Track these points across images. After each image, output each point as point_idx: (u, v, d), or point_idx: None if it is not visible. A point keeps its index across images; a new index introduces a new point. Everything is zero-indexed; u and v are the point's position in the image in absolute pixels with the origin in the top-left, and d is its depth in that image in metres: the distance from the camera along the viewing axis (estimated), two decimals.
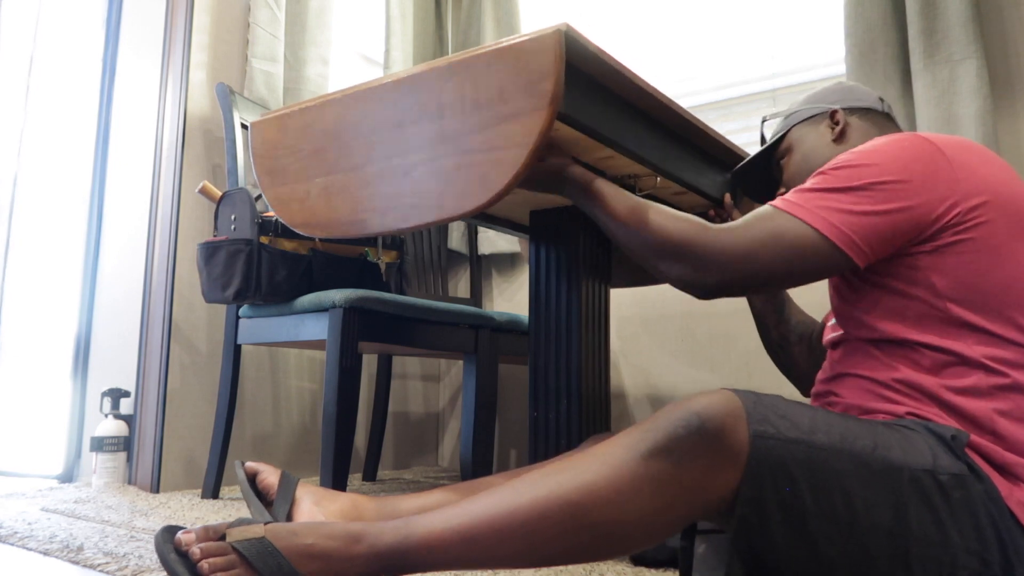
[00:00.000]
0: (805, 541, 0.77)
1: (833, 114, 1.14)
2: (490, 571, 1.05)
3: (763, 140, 1.33)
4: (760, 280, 0.89)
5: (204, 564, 0.77)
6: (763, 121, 1.34)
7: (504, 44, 0.98)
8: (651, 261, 0.97)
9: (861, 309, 0.93)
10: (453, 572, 1.04)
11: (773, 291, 0.93)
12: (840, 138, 1.12)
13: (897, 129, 1.15)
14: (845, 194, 0.87)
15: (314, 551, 0.79)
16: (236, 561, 0.78)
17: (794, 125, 1.18)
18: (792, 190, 0.93)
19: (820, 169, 0.92)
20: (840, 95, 1.16)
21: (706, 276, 0.91)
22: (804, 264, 0.87)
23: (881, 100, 1.17)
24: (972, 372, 0.84)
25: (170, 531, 0.82)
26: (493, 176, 0.97)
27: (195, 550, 0.78)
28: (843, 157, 0.91)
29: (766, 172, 1.28)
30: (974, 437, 0.82)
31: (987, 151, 0.92)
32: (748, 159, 1.28)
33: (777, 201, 0.91)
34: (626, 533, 0.76)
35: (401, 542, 0.79)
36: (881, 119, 1.14)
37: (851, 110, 1.14)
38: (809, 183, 0.91)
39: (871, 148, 0.90)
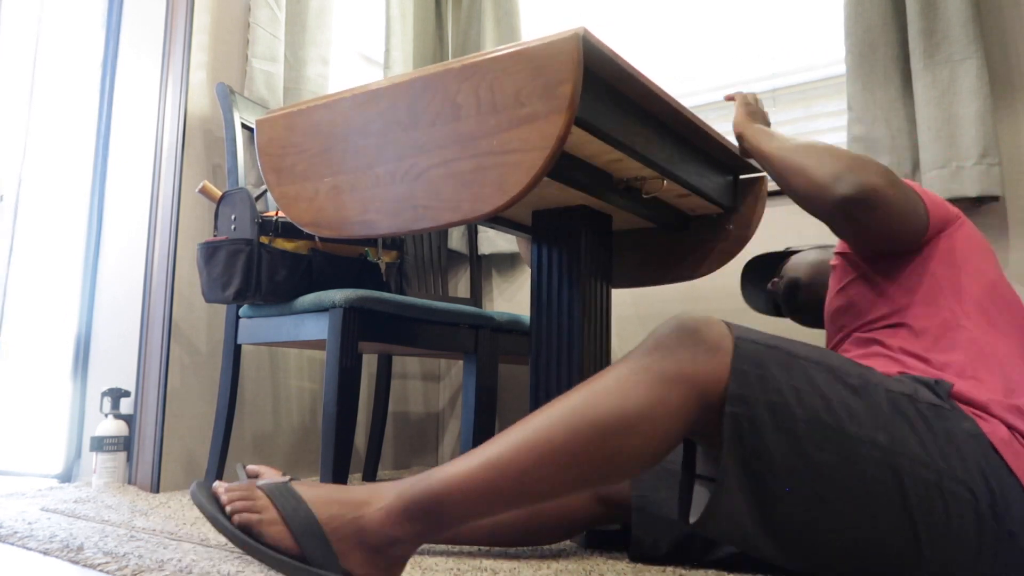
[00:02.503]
0: (797, 446, 0.81)
1: None
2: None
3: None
4: (873, 214, 1.00)
5: (224, 496, 0.81)
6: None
7: (521, 47, 0.98)
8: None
9: (879, 298, 1.05)
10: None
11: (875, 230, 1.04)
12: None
13: None
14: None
15: (332, 497, 0.81)
16: (257, 495, 0.81)
17: None
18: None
19: None
20: None
21: (858, 183, 1.01)
22: (905, 215, 1.01)
23: None
24: (947, 332, 0.98)
25: (205, 483, 0.86)
26: (511, 179, 0.97)
27: (220, 488, 0.82)
28: None
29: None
30: (958, 384, 0.91)
31: None
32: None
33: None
34: (630, 427, 0.78)
35: (424, 479, 0.81)
36: None
37: None
38: None
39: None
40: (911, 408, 0.84)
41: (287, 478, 1.08)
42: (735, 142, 1.38)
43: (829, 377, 0.84)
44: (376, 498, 0.81)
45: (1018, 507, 0.82)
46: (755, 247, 2.02)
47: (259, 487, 0.82)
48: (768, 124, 1.36)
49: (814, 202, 1.03)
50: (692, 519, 0.91)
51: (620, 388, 0.79)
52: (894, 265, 1.04)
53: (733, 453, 0.81)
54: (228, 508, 0.79)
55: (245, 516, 0.78)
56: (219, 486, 0.83)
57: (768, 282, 1.60)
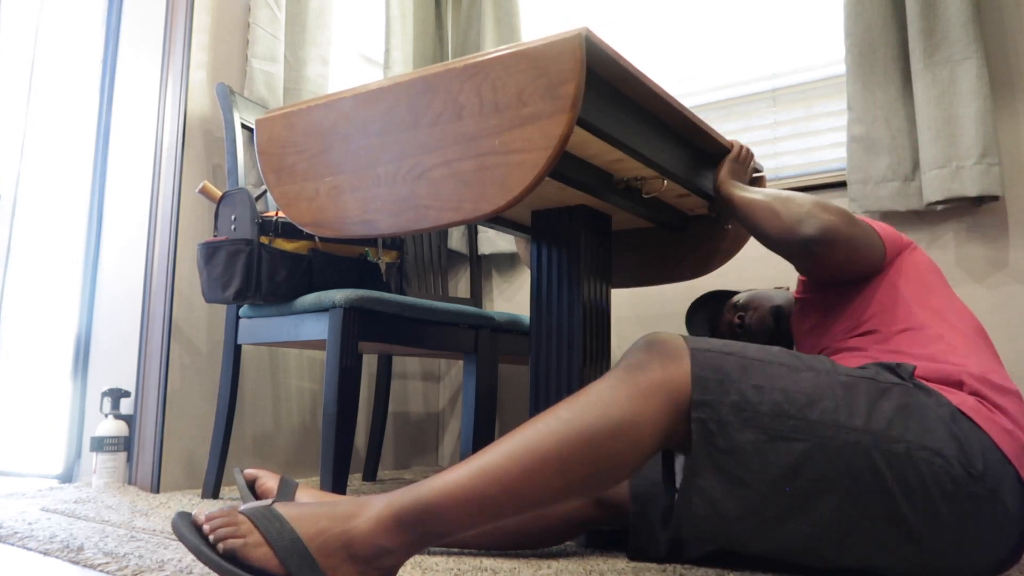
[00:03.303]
0: (766, 439, 0.85)
1: None
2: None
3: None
4: (828, 252, 1.12)
5: (206, 525, 0.79)
6: None
7: (524, 47, 0.98)
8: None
9: (849, 311, 1.15)
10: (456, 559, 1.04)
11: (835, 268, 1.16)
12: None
13: None
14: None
15: (319, 512, 0.81)
16: (239, 520, 0.80)
17: None
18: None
19: None
20: None
21: (820, 226, 1.12)
22: (860, 249, 1.12)
23: None
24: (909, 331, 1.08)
25: (186, 514, 0.84)
26: (513, 178, 0.97)
27: (201, 516, 0.81)
28: None
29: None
30: (925, 365, 0.98)
31: None
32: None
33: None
34: (615, 434, 0.82)
35: (414, 489, 0.81)
36: None
37: None
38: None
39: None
40: (872, 388, 0.90)
41: (278, 483, 1.08)
42: (735, 146, 1.40)
43: (785, 371, 0.90)
44: (364, 509, 0.80)
45: (995, 465, 0.86)
46: (754, 247, 2.03)
47: (241, 512, 0.81)
48: (755, 172, 1.48)
49: (782, 243, 1.14)
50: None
51: (603, 400, 0.84)
52: (859, 283, 1.15)
53: (703, 455, 0.85)
54: (212, 536, 0.78)
55: (230, 543, 0.77)
56: (200, 515, 0.82)
57: (714, 320, 1.66)
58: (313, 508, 0.82)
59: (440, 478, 0.81)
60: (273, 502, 0.84)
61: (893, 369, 0.95)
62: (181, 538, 0.79)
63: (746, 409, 0.86)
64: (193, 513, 0.83)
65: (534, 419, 0.85)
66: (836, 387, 0.89)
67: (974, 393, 0.95)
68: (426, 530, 0.79)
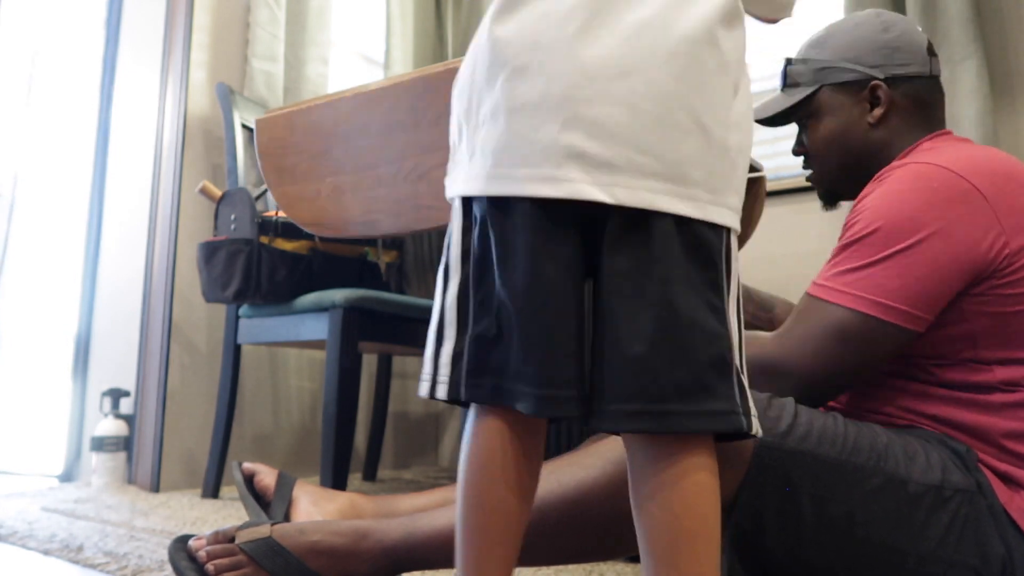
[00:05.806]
0: (799, 548, 0.77)
1: (874, 88, 0.96)
2: None
3: (784, 77, 1.08)
4: (840, 380, 0.85)
5: (210, 566, 0.79)
6: (787, 63, 1.08)
7: None
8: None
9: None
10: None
11: (859, 381, 0.88)
12: (879, 124, 0.97)
13: (941, 99, 0.99)
14: (879, 266, 0.82)
15: (321, 547, 0.81)
16: (243, 561, 0.80)
17: (825, 85, 1.01)
18: (827, 267, 0.87)
19: (847, 237, 0.86)
20: (884, 57, 0.96)
21: (789, 391, 0.83)
22: (868, 349, 0.82)
23: (929, 54, 0.98)
24: (987, 393, 0.82)
25: (182, 540, 0.85)
26: None
27: (202, 553, 0.81)
28: (868, 214, 0.85)
29: (784, 115, 1.11)
30: (992, 460, 0.81)
31: None
32: (768, 103, 1.12)
33: (814, 287, 0.86)
34: (623, 531, 0.74)
35: (407, 537, 0.82)
36: (926, 92, 0.98)
37: (894, 80, 0.96)
38: (841, 258, 0.86)
39: (897, 199, 0.84)
40: (936, 501, 0.77)
41: (276, 475, 1.07)
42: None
43: (854, 479, 0.77)
44: (362, 546, 0.82)
45: None
46: (756, 247, 2.02)
47: (241, 548, 0.81)
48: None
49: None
50: None
51: (619, 490, 0.73)
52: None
53: (737, 548, 0.79)
54: None
55: None
56: (197, 546, 0.82)
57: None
58: (311, 537, 0.83)
59: (431, 522, 0.82)
60: (274, 523, 0.84)
61: (962, 456, 0.80)
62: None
63: (792, 518, 0.76)
64: (191, 543, 0.83)
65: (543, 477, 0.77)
66: (905, 500, 0.77)
67: None
68: (423, 564, 0.83)
